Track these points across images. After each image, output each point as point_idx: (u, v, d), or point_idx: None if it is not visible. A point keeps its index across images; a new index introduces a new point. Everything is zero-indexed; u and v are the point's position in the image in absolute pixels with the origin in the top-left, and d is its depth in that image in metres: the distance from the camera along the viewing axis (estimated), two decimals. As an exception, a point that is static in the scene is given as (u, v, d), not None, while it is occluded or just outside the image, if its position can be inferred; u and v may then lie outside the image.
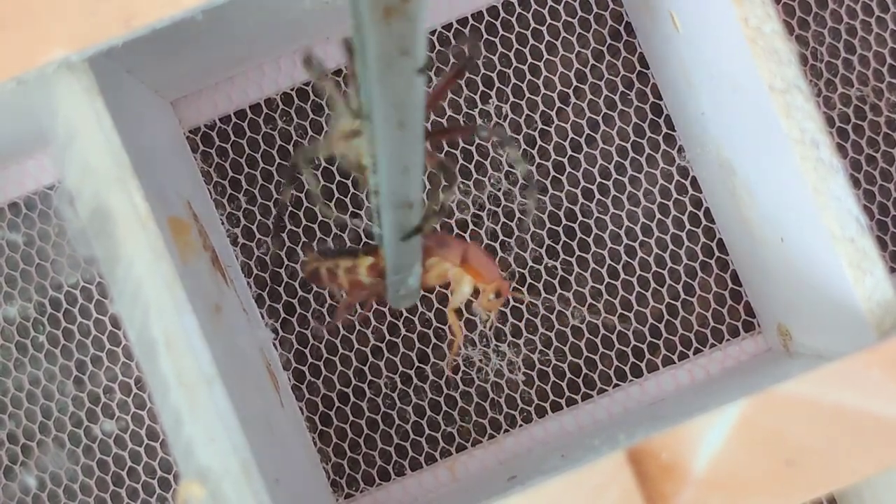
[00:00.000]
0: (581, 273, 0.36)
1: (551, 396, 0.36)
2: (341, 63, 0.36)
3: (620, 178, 0.36)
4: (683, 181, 0.37)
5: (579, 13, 0.37)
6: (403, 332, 0.36)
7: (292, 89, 0.36)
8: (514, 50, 0.37)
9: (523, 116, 0.36)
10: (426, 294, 0.36)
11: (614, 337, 0.36)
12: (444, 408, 0.36)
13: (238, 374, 0.27)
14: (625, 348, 0.36)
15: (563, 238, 0.36)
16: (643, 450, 0.23)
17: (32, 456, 0.35)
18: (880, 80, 0.37)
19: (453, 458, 0.36)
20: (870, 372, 0.23)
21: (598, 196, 0.36)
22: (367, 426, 0.36)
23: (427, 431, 0.36)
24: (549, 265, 0.36)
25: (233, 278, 0.34)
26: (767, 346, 0.36)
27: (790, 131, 0.26)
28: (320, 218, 0.36)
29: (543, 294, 0.36)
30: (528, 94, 0.37)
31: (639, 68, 0.37)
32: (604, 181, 0.36)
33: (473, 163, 0.36)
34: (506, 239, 0.36)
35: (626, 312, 0.36)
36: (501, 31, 0.37)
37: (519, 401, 0.36)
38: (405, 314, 0.36)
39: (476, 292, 0.31)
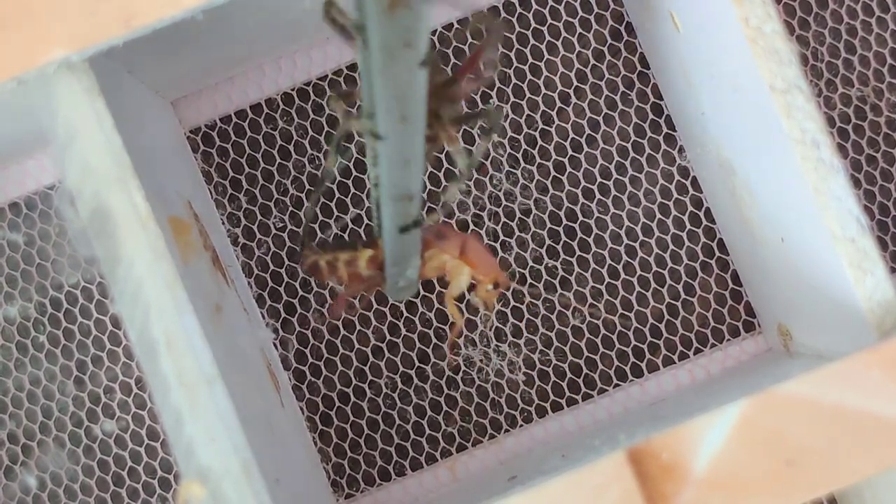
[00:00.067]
0: (581, 273, 0.36)
1: (552, 396, 0.36)
2: (341, 63, 0.36)
3: (621, 177, 0.36)
4: (684, 181, 0.37)
5: (580, 13, 0.37)
6: (404, 332, 0.36)
7: (293, 89, 0.36)
8: (514, 50, 0.37)
9: (524, 116, 0.36)
10: (426, 294, 0.36)
11: (615, 337, 0.36)
12: (445, 408, 0.36)
13: (239, 374, 0.27)
14: (625, 348, 0.36)
15: (564, 238, 0.36)
16: (644, 450, 0.23)
17: (33, 456, 0.35)
18: (881, 81, 0.37)
19: (454, 458, 0.36)
20: (870, 372, 0.23)
21: (598, 196, 0.36)
22: (367, 426, 0.36)
23: (427, 431, 0.36)
24: (550, 265, 0.36)
25: (233, 278, 0.34)
26: (768, 346, 0.36)
27: (791, 131, 0.26)
28: (321, 218, 0.36)
29: (544, 294, 0.36)
30: (528, 94, 0.37)
31: (639, 68, 0.37)
32: (604, 181, 0.36)
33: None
34: (506, 239, 0.36)
35: (626, 312, 0.36)
36: (502, 31, 0.37)
37: (519, 401, 0.36)
38: (405, 314, 0.36)
39: (474, 284, 0.31)
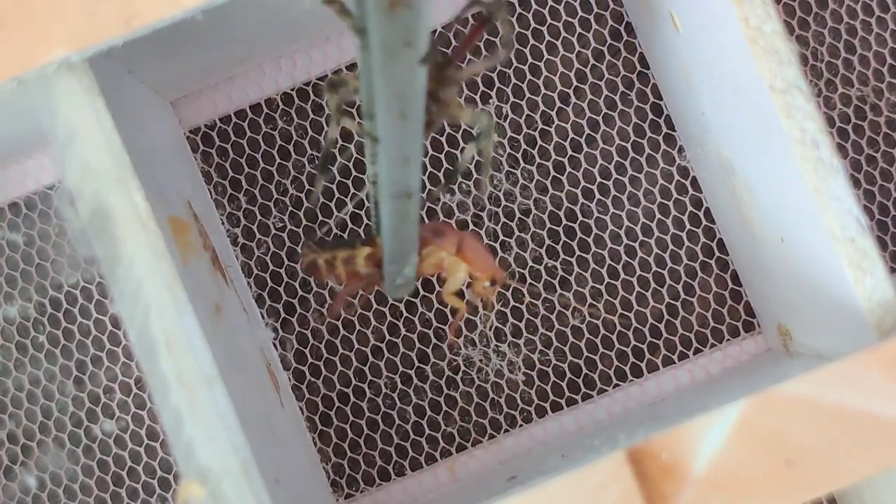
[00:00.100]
0: (581, 273, 0.36)
1: (551, 396, 0.36)
2: (341, 63, 0.36)
3: (620, 178, 0.36)
4: (683, 181, 0.37)
5: (579, 13, 0.37)
6: (403, 332, 0.36)
7: (292, 89, 0.36)
8: (514, 50, 0.37)
9: (523, 116, 0.36)
10: (426, 294, 0.36)
11: (614, 337, 0.36)
12: (445, 408, 0.36)
13: (238, 374, 0.27)
14: (625, 348, 0.36)
15: (563, 238, 0.36)
16: (643, 450, 0.23)
17: (32, 456, 0.35)
18: (880, 80, 0.37)
19: (453, 458, 0.36)
20: (870, 372, 0.23)
21: (598, 196, 0.36)
22: (367, 426, 0.36)
23: (427, 431, 0.36)
24: (549, 265, 0.36)
25: (233, 278, 0.34)
26: (767, 346, 0.36)
27: (790, 131, 0.26)
28: (320, 218, 0.36)
29: (543, 294, 0.36)
30: (528, 94, 0.37)
31: (639, 68, 0.37)
32: (604, 181, 0.36)
33: (473, 163, 0.36)
34: (506, 239, 0.36)
35: (626, 312, 0.36)
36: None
37: (519, 401, 0.36)
38: (405, 314, 0.36)
39: (471, 281, 0.31)
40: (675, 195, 0.36)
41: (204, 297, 0.27)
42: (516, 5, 0.37)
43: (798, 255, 0.29)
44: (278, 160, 0.36)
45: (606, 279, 0.36)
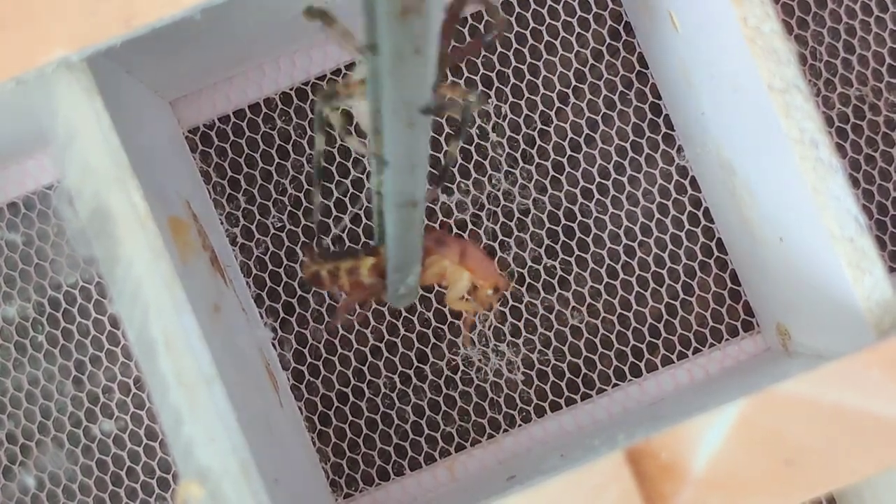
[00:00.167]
0: (580, 273, 0.36)
1: (550, 396, 0.36)
2: (340, 63, 0.36)
3: (620, 177, 0.37)
4: (683, 181, 0.37)
5: (578, 13, 0.37)
6: (402, 332, 0.36)
7: (291, 89, 0.36)
8: (513, 50, 0.37)
9: (522, 116, 0.36)
10: (425, 294, 0.36)
11: (613, 337, 0.36)
12: (444, 408, 0.36)
13: (237, 374, 0.27)
14: (624, 348, 0.36)
15: (563, 238, 0.36)
16: (642, 450, 0.23)
17: (31, 456, 0.35)
18: (879, 80, 0.37)
19: (452, 458, 0.36)
20: (869, 372, 0.23)
21: (597, 196, 0.36)
22: (366, 426, 0.36)
23: (426, 431, 0.36)
24: (548, 265, 0.36)
25: (232, 278, 0.34)
26: (766, 346, 0.36)
27: (789, 131, 0.26)
28: (320, 218, 0.36)
29: (542, 294, 0.36)
30: (527, 94, 0.37)
31: (638, 68, 0.37)
32: (603, 181, 0.37)
33: (473, 163, 0.36)
34: (505, 239, 0.36)
35: (625, 312, 0.36)
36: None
37: (518, 401, 0.36)
38: (404, 314, 0.36)
39: (473, 288, 0.31)
40: (674, 195, 0.37)
41: (203, 297, 0.27)
42: (516, 5, 0.37)
43: (797, 255, 0.29)
44: (277, 160, 0.36)
45: (605, 279, 0.36)
